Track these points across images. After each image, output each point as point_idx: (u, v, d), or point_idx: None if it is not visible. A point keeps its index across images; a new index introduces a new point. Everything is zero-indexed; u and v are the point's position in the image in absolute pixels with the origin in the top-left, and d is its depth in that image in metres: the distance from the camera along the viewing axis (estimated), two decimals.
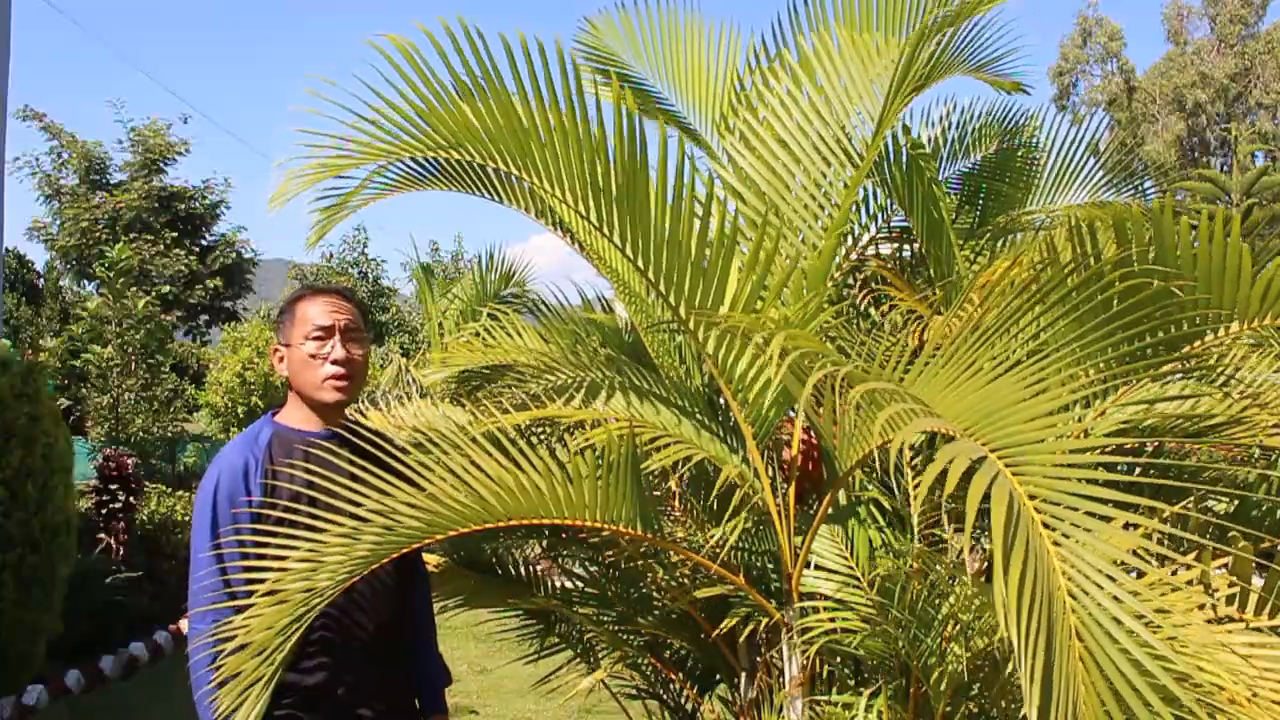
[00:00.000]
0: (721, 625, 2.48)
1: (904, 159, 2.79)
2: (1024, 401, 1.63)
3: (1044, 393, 1.66)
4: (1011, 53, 2.80)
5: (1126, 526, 1.38)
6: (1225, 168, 35.37)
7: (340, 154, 2.03)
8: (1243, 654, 1.71)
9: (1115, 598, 1.29)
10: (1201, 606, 1.82)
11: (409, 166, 2.53)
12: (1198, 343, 1.92)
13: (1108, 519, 1.36)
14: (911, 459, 2.61)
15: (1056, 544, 1.35)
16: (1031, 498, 1.40)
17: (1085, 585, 1.31)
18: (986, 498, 1.34)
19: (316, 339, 2.12)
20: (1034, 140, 3.21)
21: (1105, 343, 1.81)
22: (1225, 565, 1.95)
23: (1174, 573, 1.90)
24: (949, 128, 3.20)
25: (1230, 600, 1.87)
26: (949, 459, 1.38)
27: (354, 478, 1.95)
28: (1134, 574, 1.36)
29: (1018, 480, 1.42)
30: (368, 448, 2.01)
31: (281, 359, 2.18)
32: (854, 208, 2.78)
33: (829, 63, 2.63)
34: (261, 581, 1.87)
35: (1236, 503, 2.29)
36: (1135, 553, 1.36)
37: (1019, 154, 3.20)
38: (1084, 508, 1.37)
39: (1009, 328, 1.86)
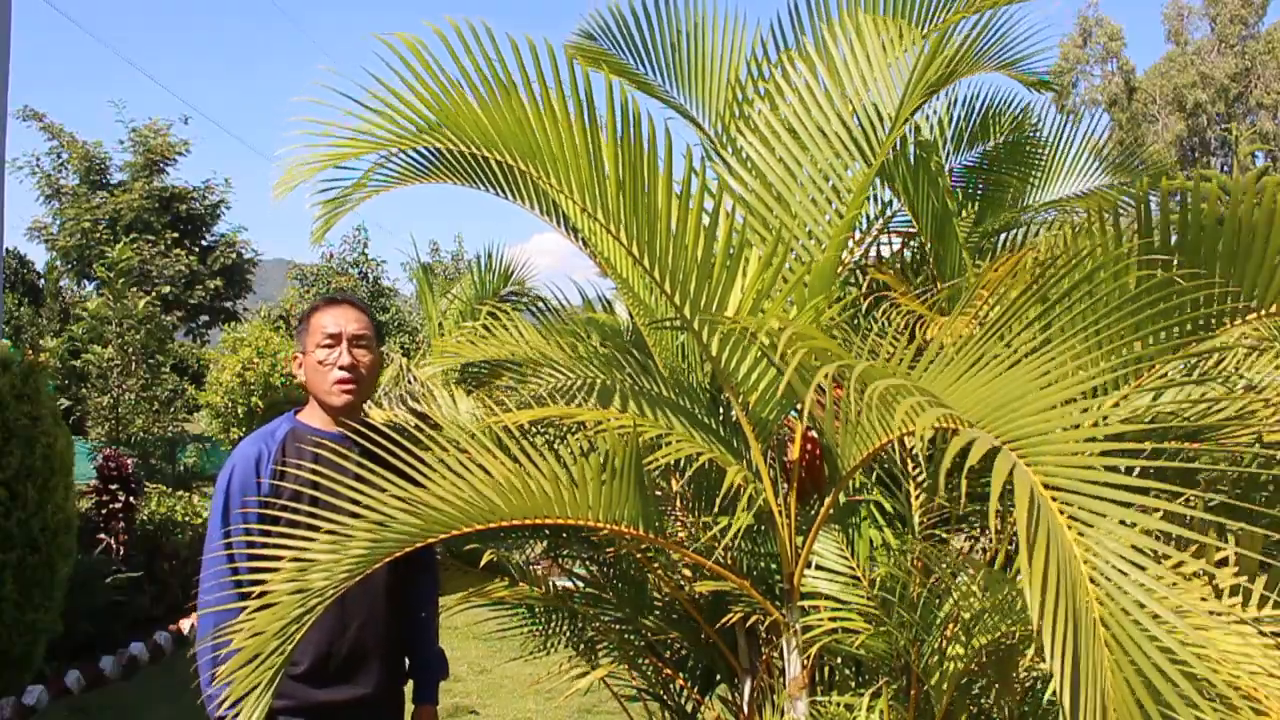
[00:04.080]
0: (722, 620, 2.48)
1: (910, 154, 2.78)
2: (1034, 393, 1.64)
3: (1053, 385, 1.65)
4: (1036, 53, 2.82)
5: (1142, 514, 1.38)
6: (1225, 168, 35.37)
7: (344, 141, 2.02)
8: (1262, 645, 1.70)
9: (1138, 584, 1.30)
10: (1219, 597, 1.82)
11: (413, 159, 2.53)
12: (1211, 331, 1.91)
13: (1126, 505, 1.36)
14: (913, 460, 2.60)
15: (1077, 531, 1.35)
16: (1047, 487, 1.40)
17: (1107, 572, 1.32)
18: (1000, 496, 1.34)
19: (325, 346, 2.26)
20: (1036, 135, 3.19)
21: (1116, 331, 1.80)
22: (1226, 560, 1.94)
23: (1177, 566, 1.89)
24: (950, 122, 3.18)
25: (1235, 592, 1.87)
26: (965, 443, 1.39)
27: (360, 478, 1.96)
28: (1151, 563, 1.36)
29: (1031, 469, 1.42)
30: (374, 449, 2.03)
31: (300, 366, 2.33)
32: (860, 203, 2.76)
33: (844, 54, 2.59)
34: (262, 579, 1.88)
35: (1238, 496, 2.29)
36: (1153, 538, 1.36)
37: (1021, 149, 3.18)
38: (1100, 495, 1.38)
39: (1014, 324, 1.86)
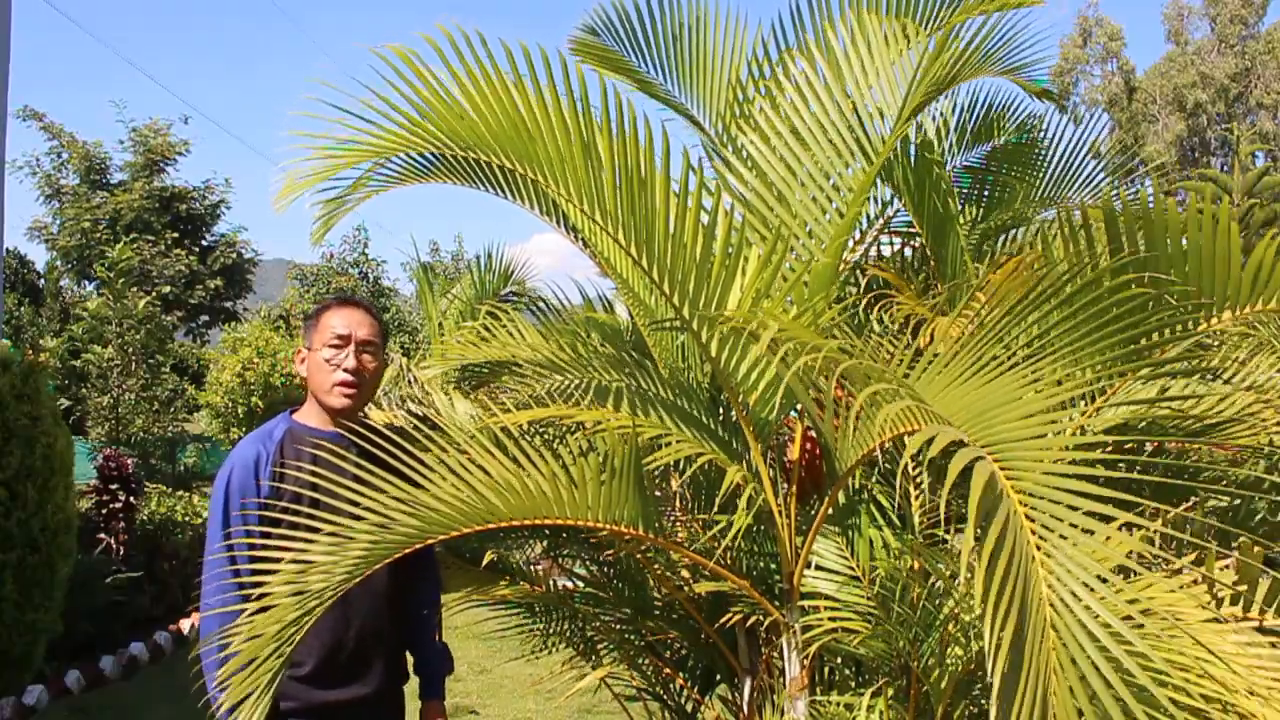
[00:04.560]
0: (722, 620, 2.48)
1: (911, 153, 2.77)
2: (1016, 400, 1.64)
3: (1037, 391, 1.66)
4: (1040, 60, 2.84)
5: (1118, 526, 1.38)
6: (1225, 168, 35.38)
7: (341, 151, 2.03)
8: (1236, 653, 1.70)
9: (1099, 598, 1.30)
10: (1204, 605, 1.82)
11: (412, 159, 2.53)
12: (1189, 334, 1.92)
13: (1100, 519, 1.36)
14: (913, 458, 2.60)
15: (1040, 538, 1.36)
16: (1028, 494, 1.41)
17: (1066, 580, 1.32)
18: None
19: (333, 346, 2.25)
20: (1037, 136, 3.19)
21: (1100, 343, 1.81)
22: (1226, 566, 1.94)
23: (1168, 575, 1.89)
24: (953, 120, 3.18)
25: (1235, 600, 1.87)
26: (938, 448, 1.39)
27: (359, 480, 1.96)
28: (1126, 575, 1.37)
29: (1005, 475, 1.43)
30: (373, 450, 2.03)
31: (303, 361, 2.31)
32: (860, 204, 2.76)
33: (846, 52, 2.59)
34: (262, 581, 1.88)
35: (1237, 502, 2.29)
36: (1125, 549, 1.36)
37: (1022, 150, 3.18)
38: (1071, 503, 1.38)
39: (1009, 329, 1.86)
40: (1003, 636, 1.25)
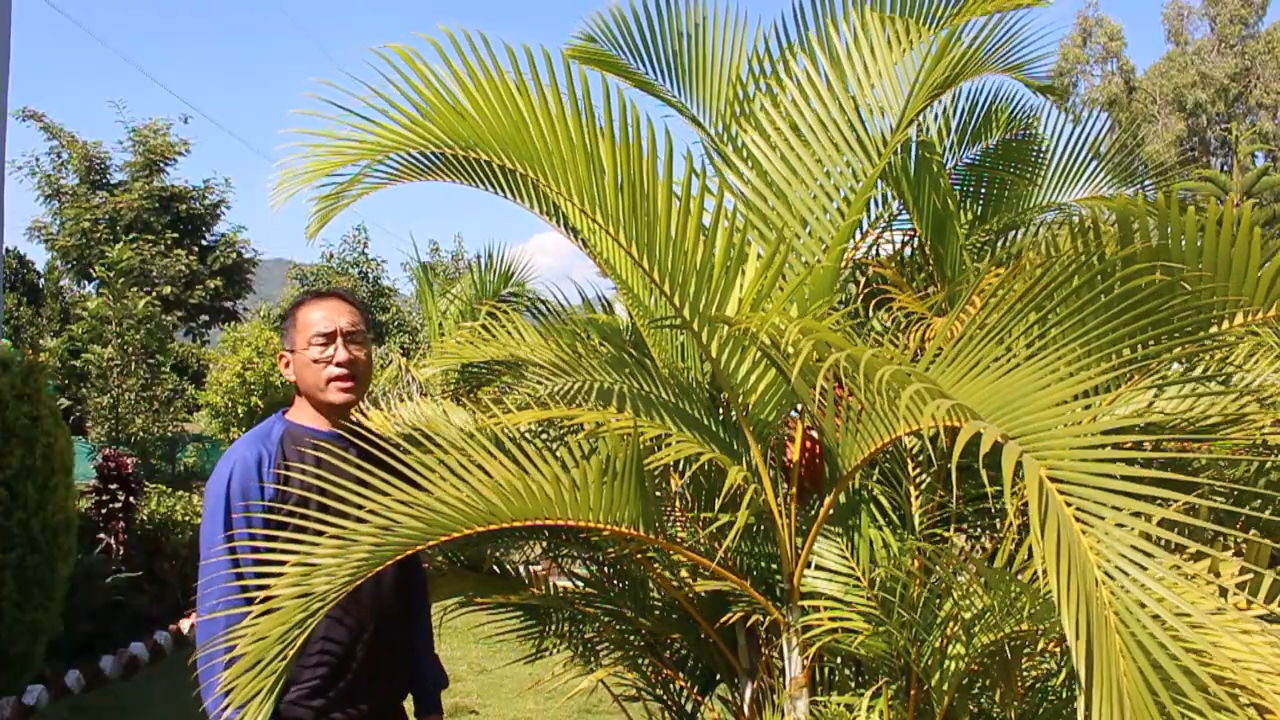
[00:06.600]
0: (722, 620, 2.48)
1: (912, 153, 2.77)
2: (1036, 391, 1.65)
3: (1053, 384, 1.67)
4: (1042, 57, 2.84)
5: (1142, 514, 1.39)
6: (1225, 168, 35.41)
7: (343, 147, 2.02)
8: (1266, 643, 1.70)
9: (1141, 581, 1.33)
10: (1224, 595, 1.82)
11: (412, 157, 2.53)
12: (1202, 334, 1.92)
13: (1132, 495, 1.38)
14: (914, 459, 2.60)
15: (1081, 521, 1.37)
16: (1053, 480, 1.42)
17: (1118, 562, 1.34)
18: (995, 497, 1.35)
19: (319, 344, 2.17)
20: (1037, 134, 3.19)
21: (1111, 336, 1.81)
22: (1232, 557, 1.94)
23: (1184, 562, 1.89)
24: (954, 117, 3.17)
25: (1241, 588, 1.87)
26: (971, 434, 1.40)
27: (361, 481, 1.94)
28: (1158, 558, 1.38)
29: (1038, 462, 1.44)
30: (373, 451, 2.01)
31: (287, 364, 2.24)
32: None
33: (848, 53, 2.58)
34: (269, 583, 1.86)
35: (1234, 500, 2.28)
36: (1158, 535, 1.38)
37: (1022, 148, 3.17)
38: (1105, 488, 1.41)
39: (1016, 324, 1.86)
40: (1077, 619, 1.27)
